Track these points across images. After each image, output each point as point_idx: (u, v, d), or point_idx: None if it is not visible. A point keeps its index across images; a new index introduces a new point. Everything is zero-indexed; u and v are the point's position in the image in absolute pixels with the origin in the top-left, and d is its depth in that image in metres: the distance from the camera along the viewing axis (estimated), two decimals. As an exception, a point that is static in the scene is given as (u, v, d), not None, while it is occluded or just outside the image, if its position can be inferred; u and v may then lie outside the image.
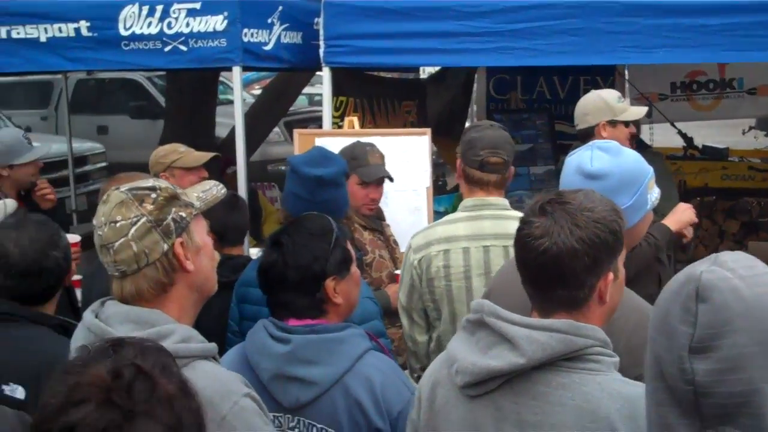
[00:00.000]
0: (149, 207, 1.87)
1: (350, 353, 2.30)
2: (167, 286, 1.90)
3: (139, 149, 11.90)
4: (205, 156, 4.61)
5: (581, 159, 2.40)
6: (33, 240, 2.63)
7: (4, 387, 2.45)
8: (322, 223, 2.45)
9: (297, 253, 2.36)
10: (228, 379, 1.88)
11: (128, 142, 12.64)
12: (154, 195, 1.89)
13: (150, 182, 1.95)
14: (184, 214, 1.92)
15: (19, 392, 2.43)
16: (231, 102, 13.31)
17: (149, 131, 12.59)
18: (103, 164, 11.85)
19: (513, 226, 3.23)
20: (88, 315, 1.90)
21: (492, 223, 3.34)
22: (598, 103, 4.35)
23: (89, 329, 1.84)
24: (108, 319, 1.85)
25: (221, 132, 9.87)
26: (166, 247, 1.88)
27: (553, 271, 1.80)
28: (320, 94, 17.50)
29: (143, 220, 1.86)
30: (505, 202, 3.40)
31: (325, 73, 5.39)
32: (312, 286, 2.36)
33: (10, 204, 3.70)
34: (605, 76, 7.65)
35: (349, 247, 2.48)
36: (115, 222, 1.85)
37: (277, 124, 11.37)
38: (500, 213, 3.35)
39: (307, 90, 12.39)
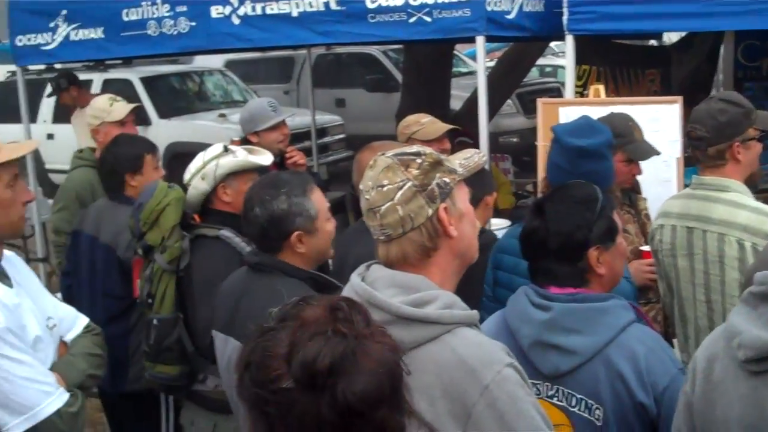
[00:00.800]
0: (414, 172, 1.89)
1: (613, 324, 2.23)
2: (431, 251, 1.92)
3: (375, 122, 12.32)
4: (443, 128, 4.63)
5: None
6: (257, 191, 2.81)
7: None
8: (587, 191, 2.39)
9: (559, 221, 2.32)
10: (491, 348, 1.87)
11: (364, 115, 13.07)
12: (419, 160, 1.90)
13: (415, 148, 1.97)
14: (447, 180, 1.92)
15: None
16: (463, 74, 13.53)
17: (384, 104, 12.93)
18: (341, 136, 12.32)
19: (719, 211, 3.09)
20: (354, 278, 1.94)
21: (699, 204, 3.20)
22: None
23: (356, 292, 1.88)
24: (373, 283, 1.89)
25: (455, 104, 9.96)
26: (430, 211, 1.89)
27: None
28: (551, 66, 17.24)
29: (409, 184, 1.88)
30: (728, 182, 3.16)
31: (568, 41, 5.24)
32: (574, 254, 2.31)
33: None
34: None
35: (616, 217, 2.40)
36: (382, 186, 1.88)
37: (510, 96, 11.29)
38: (709, 194, 3.19)
39: (538, 61, 12.21)
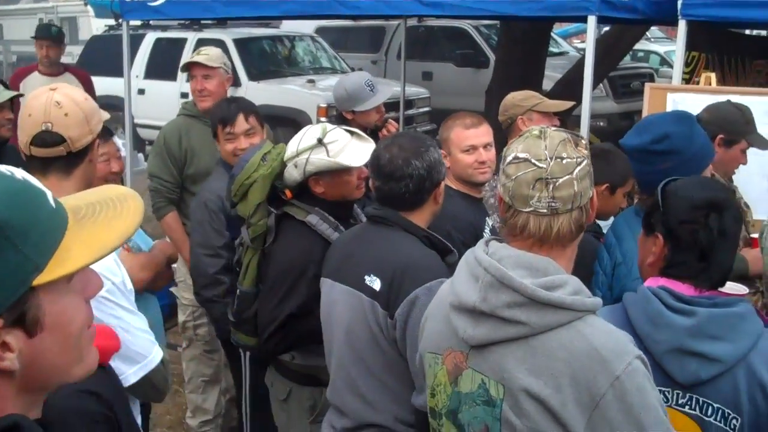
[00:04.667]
0: (584, 152, 1.89)
1: (752, 330, 2.13)
2: (578, 233, 1.91)
3: (461, 96, 12.27)
4: (565, 104, 4.59)
5: None
6: (402, 149, 2.83)
7: (366, 277, 2.73)
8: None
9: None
10: (621, 338, 1.84)
11: (451, 89, 12.99)
12: (584, 141, 1.90)
13: (572, 131, 1.96)
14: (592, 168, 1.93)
15: (376, 284, 2.70)
16: (555, 54, 13.34)
17: (472, 80, 12.85)
18: (427, 109, 12.27)
19: None
20: (480, 253, 1.92)
21: None
22: None
23: (486, 269, 1.86)
24: (500, 261, 1.87)
25: (545, 85, 9.83)
26: (591, 193, 1.90)
27: None
28: (644, 51, 16.87)
29: (585, 162, 1.87)
30: None
31: (681, 26, 5.14)
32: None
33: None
34: None
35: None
36: (561, 158, 1.85)
37: (602, 80, 11.11)
38: None
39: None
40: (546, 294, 1.79)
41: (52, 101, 2.59)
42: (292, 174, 3.27)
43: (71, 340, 1.16)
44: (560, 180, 1.85)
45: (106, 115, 2.82)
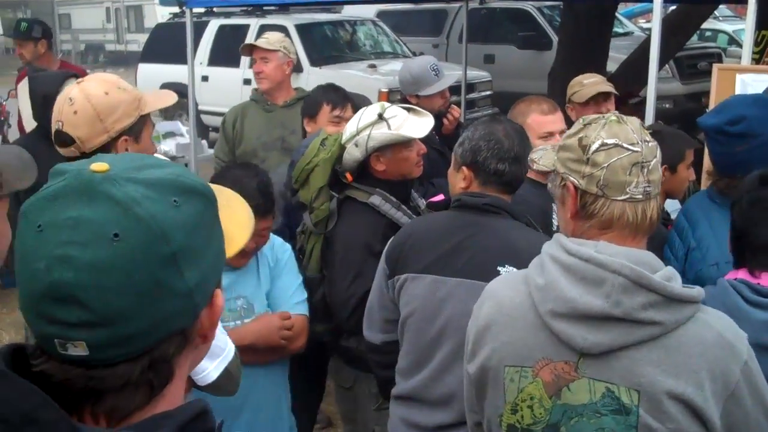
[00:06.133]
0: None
1: None
2: (659, 220, 1.88)
3: (524, 79, 12.14)
4: (590, 93, 4.55)
5: None
6: (516, 132, 2.82)
7: (500, 268, 2.55)
8: None
9: None
10: (733, 321, 1.81)
11: (513, 72, 12.87)
12: (646, 128, 1.90)
13: None
14: None
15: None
16: (619, 35, 13.12)
17: (534, 62, 12.70)
18: (489, 92, 12.18)
19: None
20: (591, 253, 1.78)
21: None
22: None
23: (616, 270, 1.72)
24: (602, 250, 1.78)
25: (610, 66, 9.68)
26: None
27: None
28: (712, 30, 16.44)
29: (658, 147, 1.86)
30: None
31: (750, 4, 4.99)
32: None
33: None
34: None
35: None
36: (647, 141, 1.82)
37: (669, 61, 10.88)
38: None
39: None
40: (683, 290, 1.72)
41: (67, 97, 2.48)
42: (353, 154, 3.28)
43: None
44: (652, 163, 1.81)
45: (170, 99, 2.73)
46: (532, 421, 1.88)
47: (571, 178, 1.86)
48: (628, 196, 1.80)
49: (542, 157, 2.15)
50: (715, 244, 2.76)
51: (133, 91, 2.65)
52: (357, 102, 4.27)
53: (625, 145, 1.80)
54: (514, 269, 2.49)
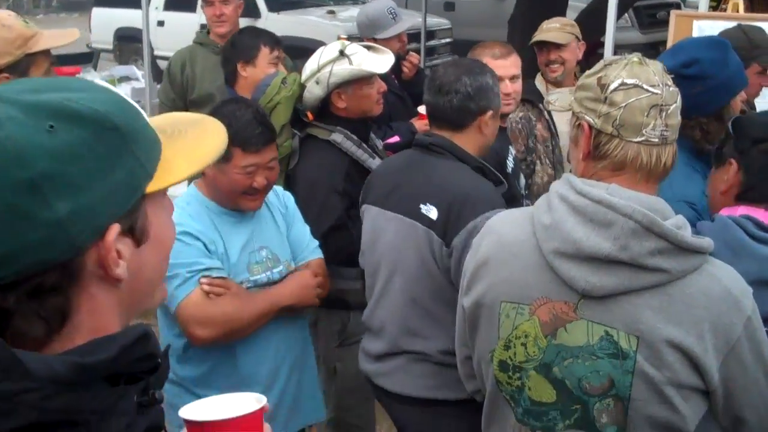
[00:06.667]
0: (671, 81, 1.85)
1: None
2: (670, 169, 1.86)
3: (484, 27, 12.05)
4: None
5: None
6: (457, 66, 2.87)
7: (422, 206, 2.70)
8: None
9: None
10: (739, 274, 1.79)
11: (473, 20, 12.78)
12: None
13: None
14: None
15: (433, 213, 2.69)
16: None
17: (495, 10, 12.60)
18: (449, 40, 12.10)
19: None
20: (602, 194, 1.74)
21: None
22: None
23: (628, 214, 1.69)
24: (614, 192, 1.76)
25: (570, 15, 9.65)
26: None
27: None
28: (671, -20, 16.33)
29: (678, 92, 1.83)
30: None
31: (708, -49, 5.02)
32: None
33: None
34: None
35: None
36: (669, 85, 1.79)
37: (628, 10, 10.88)
38: None
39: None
40: (692, 239, 1.71)
41: None
42: (314, 92, 3.29)
43: (166, 256, 1.15)
44: (671, 107, 1.78)
45: (67, 38, 2.75)
46: (524, 358, 1.86)
47: (587, 117, 1.82)
48: (643, 138, 1.77)
49: (558, 99, 2.15)
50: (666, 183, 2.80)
51: (22, 29, 2.66)
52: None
53: (645, 87, 1.77)
54: (435, 209, 2.63)
